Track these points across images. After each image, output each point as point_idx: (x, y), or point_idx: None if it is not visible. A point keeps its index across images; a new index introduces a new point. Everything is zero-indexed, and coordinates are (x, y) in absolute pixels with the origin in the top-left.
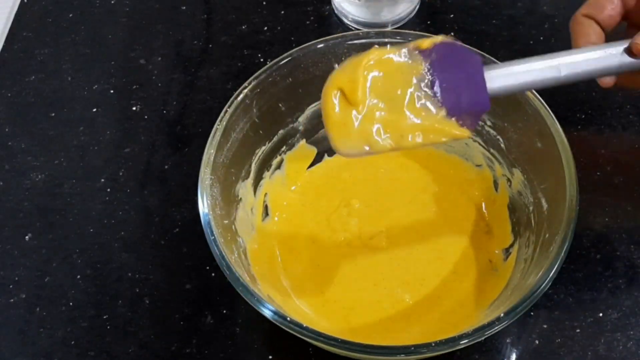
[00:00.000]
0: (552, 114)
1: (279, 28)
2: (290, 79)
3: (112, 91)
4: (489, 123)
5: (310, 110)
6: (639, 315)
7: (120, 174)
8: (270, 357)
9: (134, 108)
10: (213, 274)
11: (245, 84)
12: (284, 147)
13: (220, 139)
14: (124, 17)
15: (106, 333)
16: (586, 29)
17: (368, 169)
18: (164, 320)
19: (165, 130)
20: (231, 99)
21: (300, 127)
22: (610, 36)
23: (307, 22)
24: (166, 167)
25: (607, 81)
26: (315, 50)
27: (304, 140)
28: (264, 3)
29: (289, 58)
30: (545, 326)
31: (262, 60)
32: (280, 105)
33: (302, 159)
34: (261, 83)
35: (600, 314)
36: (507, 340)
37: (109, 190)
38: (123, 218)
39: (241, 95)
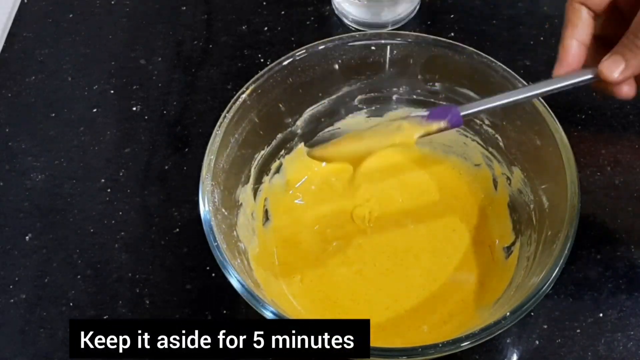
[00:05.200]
0: (550, 111)
1: (279, 28)
2: (288, 83)
3: (112, 91)
4: (487, 122)
5: (308, 113)
6: (639, 316)
7: (121, 174)
8: (270, 357)
9: (134, 108)
10: (213, 274)
11: (243, 88)
12: (283, 150)
13: (220, 144)
14: (124, 17)
15: None
16: (576, 19)
17: (367, 172)
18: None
19: (166, 130)
20: (230, 104)
21: (299, 131)
22: None
23: (308, 23)
24: (166, 167)
25: (627, 91)
26: (312, 53)
27: (302, 143)
28: (264, 3)
29: (287, 61)
30: (545, 326)
31: (262, 60)
32: (278, 109)
33: (301, 163)
34: (259, 87)
35: (601, 314)
36: (507, 341)
37: (109, 190)
38: (123, 218)
39: (239, 100)
